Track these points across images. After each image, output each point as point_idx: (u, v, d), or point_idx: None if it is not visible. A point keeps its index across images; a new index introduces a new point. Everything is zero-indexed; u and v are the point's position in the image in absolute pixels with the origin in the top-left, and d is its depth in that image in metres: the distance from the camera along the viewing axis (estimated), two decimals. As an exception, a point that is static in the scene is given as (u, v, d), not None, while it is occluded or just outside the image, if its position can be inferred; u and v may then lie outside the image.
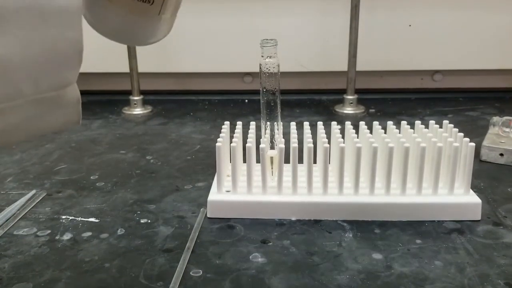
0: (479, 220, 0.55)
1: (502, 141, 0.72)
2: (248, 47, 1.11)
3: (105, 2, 0.35)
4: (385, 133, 0.61)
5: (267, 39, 0.54)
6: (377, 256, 0.49)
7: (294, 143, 0.56)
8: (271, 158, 0.57)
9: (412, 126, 0.62)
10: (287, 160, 0.57)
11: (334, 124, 0.62)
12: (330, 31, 1.07)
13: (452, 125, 0.61)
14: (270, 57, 0.55)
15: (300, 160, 0.59)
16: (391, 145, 0.54)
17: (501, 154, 0.70)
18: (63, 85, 0.31)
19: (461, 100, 1.06)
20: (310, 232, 0.53)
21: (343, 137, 0.59)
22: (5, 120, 0.30)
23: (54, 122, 0.33)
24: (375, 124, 0.63)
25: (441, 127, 0.61)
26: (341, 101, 1.02)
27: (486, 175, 0.67)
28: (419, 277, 0.45)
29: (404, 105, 1.04)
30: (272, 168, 0.58)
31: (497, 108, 0.99)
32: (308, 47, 1.09)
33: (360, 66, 1.01)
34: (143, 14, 0.37)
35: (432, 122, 0.62)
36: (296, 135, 0.59)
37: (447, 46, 1.07)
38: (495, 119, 0.78)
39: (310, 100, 1.09)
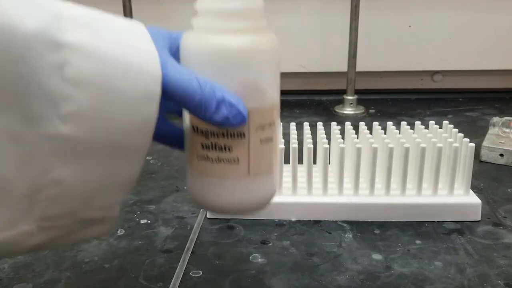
0: (479, 221, 0.55)
1: (502, 141, 0.72)
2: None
3: (192, 171, 0.36)
4: (385, 133, 0.61)
5: None
6: (377, 256, 0.49)
7: (294, 144, 0.56)
8: None
9: (412, 126, 0.62)
10: (287, 161, 0.57)
11: (334, 124, 0.62)
12: (330, 32, 1.07)
13: (452, 126, 0.61)
14: None
15: (300, 161, 0.59)
16: (391, 146, 0.54)
17: (501, 155, 0.70)
18: (110, 206, 0.33)
19: (461, 100, 1.06)
20: (310, 233, 0.53)
21: (343, 138, 0.59)
22: (51, 234, 0.31)
23: (90, 235, 0.34)
24: (375, 124, 0.63)
25: (441, 127, 0.61)
26: (341, 102, 1.02)
27: (486, 175, 0.67)
28: (419, 277, 0.45)
29: (404, 105, 1.04)
30: None
31: (497, 109, 0.99)
32: (308, 47, 1.09)
33: (360, 66, 1.01)
34: (228, 175, 0.36)
35: (432, 122, 0.62)
36: (296, 136, 0.59)
37: (447, 47, 1.07)
38: (495, 119, 0.78)
39: (310, 101, 1.09)
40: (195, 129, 0.36)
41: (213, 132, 0.35)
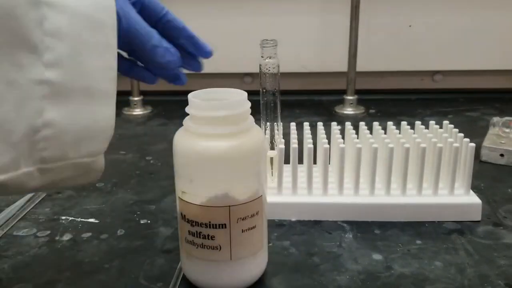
0: (479, 221, 0.55)
1: (503, 141, 0.72)
2: (248, 47, 1.11)
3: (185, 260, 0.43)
4: (385, 133, 0.61)
5: (267, 40, 0.54)
6: (377, 256, 0.49)
7: (294, 144, 0.56)
8: (271, 158, 0.57)
9: (412, 126, 0.62)
10: (287, 161, 0.57)
11: (334, 124, 0.62)
12: (330, 32, 1.07)
13: (452, 126, 0.61)
14: (270, 57, 0.55)
15: (300, 161, 0.59)
16: (391, 146, 0.54)
17: (502, 155, 0.70)
18: (96, 153, 0.38)
19: (461, 100, 1.06)
20: (310, 233, 0.53)
21: (343, 138, 0.59)
22: (49, 177, 0.36)
23: (79, 182, 0.39)
24: (375, 124, 0.63)
25: (441, 127, 0.61)
26: (341, 102, 1.02)
27: (487, 175, 0.67)
28: (419, 277, 0.45)
29: (404, 105, 1.04)
30: (272, 169, 0.57)
31: (497, 109, 0.99)
32: (308, 47, 1.09)
33: (360, 66, 1.01)
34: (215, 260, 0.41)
35: (432, 122, 0.62)
36: (296, 136, 0.59)
37: (447, 47, 1.07)
38: (495, 119, 0.78)
39: (310, 101, 1.09)
40: (182, 216, 0.41)
41: (197, 222, 0.40)
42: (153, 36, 0.41)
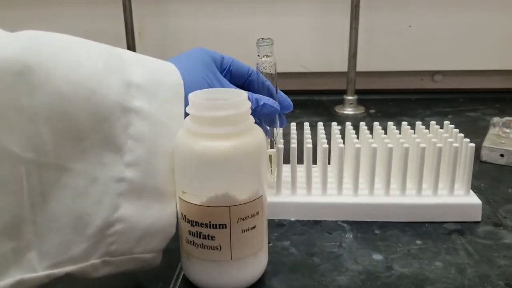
0: (479, 221, 0.55)
1: (503, 141, 0.72)
2: (248, 48, 1.11)
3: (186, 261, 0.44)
4: (385, 133, 0.61)
5: (263, 39, 0.54)
6: (377, 256, 0.49)
7: (293, 144, 0.56)
8: (270, 156, 0.57)
9: (412, 127, 0.62)
10: (286, 161, 0.57)
11: (334, 124, 0.62)
12: (330, 32, 1.07)
13: (452, 126, 0.61)
14: (267, 56, 0.55)
15: (300, 161, 0.59)
16: (391, 146, 0.54)
17: (502, 155, 0.70)
18: (157, 249, 0.41)
19: (461, 100, 1.06)
20: (310, 233, 0.53)
21: (343, 138, 0.59)
22: (111, 269, 0.38)
23: (133, 271, 0.41)
24: (375, 124, 0.63)
25: (441, 127, 0.61)
26: (341, 102, 1.02)
27: (487, 175, 0.67)
28: (420, 278, 0.45)
29: (404, 105, 1.04)
30: (271, 167, 0.57)
31: (497, 109, 0.99)
32: (308, 47, 1.09)
33: (360, 66, 1.01)
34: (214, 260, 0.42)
35: (433, 123, 0.62)
36: (295, 136, 0.59)
37: (447, 47, 1.07)
38: (496, 119, 0.78)
39: (310, 101, 1.09)
40: (183, 216, 0.42)
41: (197, 222, 0.40)
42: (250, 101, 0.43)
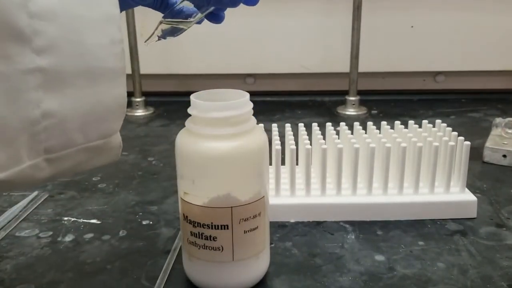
0: (481, 222, 0.55)
1: (505, 142, 0.72)
2: (250, 48, 1.11)
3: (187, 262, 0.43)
4: (383, 133, 0.61)
5: None
6: (379, 257, 0.49)
7: (291, 145, 0.55)
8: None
9: (411, 127, 0.63)
10: (284, 162, 0.57)
11: (329, 125, 0.63)
12: (332, 33, 1.07)
13: (445, 125, 0.61)
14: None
15: (297, 162, 0.59)
16: (388, 145, 0.55)
17: (504, 156, 0.70)
18: (108, 134, 0.36)
19: (464, 101, 1.06)
20: (312, 234, 0.53)
21: (340, 138, 0.59)
22: (59, 166, 0.34)
23: (97, 163, 0.37)
24: (373, 124, 0.63)
25: (434, 127, 0.62)
26: (343, 103, 1.02)
27: (489, 176, 0.67)
28: (422, 279, 0.45)
29: (406, 106, 1.03)
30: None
31: (499, 110, 0.99)
32: (310, 48, 1.09)
33: (362, 67, 1.01)
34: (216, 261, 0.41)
35: (425, 122, 0.63)
36: (292, 137, 0.59)
37: (449, 47, 1.07)
38: (498, 120, 0.77)
39: (312, 102, 1.09)
40: (185, 217, 0.41)
41: (199, 223, 0.40)
42: None
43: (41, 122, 0.32)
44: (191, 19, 0.43)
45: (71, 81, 0.32)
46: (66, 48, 0.31)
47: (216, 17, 0.45)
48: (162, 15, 0.44)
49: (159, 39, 0.43)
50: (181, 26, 0.44)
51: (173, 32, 0.44)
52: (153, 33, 0.43)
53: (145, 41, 0.43)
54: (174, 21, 0.43)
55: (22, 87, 0.31)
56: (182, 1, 0.43)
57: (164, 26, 0.43)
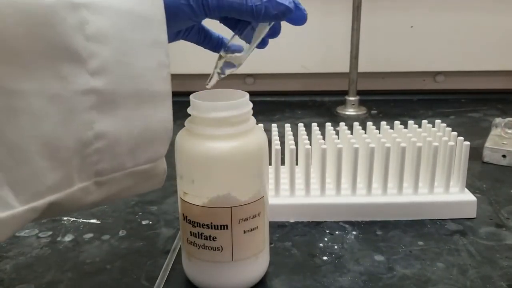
0: (481, 222, 0.55)
1: (505, 142, 0.72)
2: (250, 48, 1.11)
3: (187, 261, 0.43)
4: (382, 133, 0.61)
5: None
6: (379, 257, 0.49)
7: (291, 145, 0.56)
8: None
9: (411, 127, 0.63)
10: (283, 162, 0.57)
11: (328, 125, 0.63)
12: (332, 33, 1.07)
13: (445, 125, 0.61)
14: None
15: (296, 162, 0.59)
16: (388, 145, 0.55)
17: (504, 156, 0.70)
18: (155, 158, 0.36)
19: (463, 101, 1.06)
20: (311, 234, 0.53)
21: (339, 138, 0.59)
22: (107, 190, 0.34)
23: (142, 189, 0.37)
24: (373, 124, 0.63)
25: (433, 127, 0.62)
26: (343, 103, 1.02)
27: (489, 176, 0.67)
28: (421, 279, 0.45)
29: (406, 106, 1.04)
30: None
31: (499, 110, 0.99)
32: (310, 48, 1.09)
33: (362, 67, 1.01)
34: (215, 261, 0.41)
35: (424, 122, 0.63)
36: (292, 137, 0.59)
37: (449, 48, 1.07)
38: (498, 120, 0.77)
39: (311, 102, 1.09)
40: (184, 217, 0.41)
41: (199, 223, 0.40)
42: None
43: (93, 144, 0.32)
44: (247, 51, 0.43)
45: (122, 103, 0.33)
46: (118, 70, 0.32)
47: (262, 42, 0.46)
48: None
49: (219, 76, 0.43)
50: (237, 60, 0.44)
51: (231, 65, 0.43)
52: (213, 72, 0.43)
53: (207, 84, 0.43)
54: (231, 55, 0.43)
55: (77, 108, 0.31)
56: (233, 37, 0.43)
57: (220, 63, 0.43)
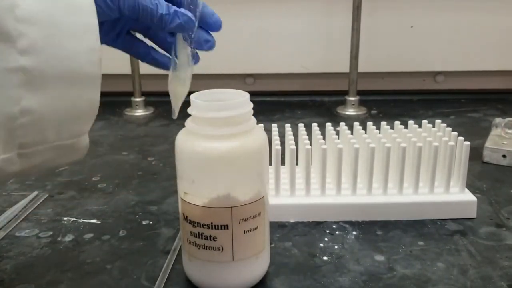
0: (481, 222, 0.55)
1: (505, 142, 0.72)
2: (250, 48, 1.11)
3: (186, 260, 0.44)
4: (382, 134, 0.61)
5: None
6: (379, 258, 0.49)
7: (291, 145, 0.56)
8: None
9: (411, 127, 0.63)
10: (283, 162, 0.57)
11: (328, 125, 0.63)
12: (332, 33, 1.07)
13: (445, 125, 0.61)
14: None
15: (296, 162, 0.58)
16: (388, 145, 0.55)
17: (504, 156, 0.70)
18: (79, 134, 0.38)
19: (463, 101, 1.06)
20: (312, 234, 0.53)
21: (339, 139, 0.59)
22: (29, 161, 0.36)
23: (64, 162, 0.40)
24: (373, 124, 0.63)
25: (433, 127, 0.62)
26: (343, 103, 1.02)
27: (489, 176, 0.67)
28: (422, 279, 0.45)
29: (406, 106, 1.04)
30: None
31: (499, 110, 0.99)
32: (310, 48, 1.09)
33: (362, 67, 1.01)
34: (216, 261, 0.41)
35: (425, 122, 0.63)
36: (292, 137, 0.59)
37: (449, 47, 1.07)
38: (498, 120, 0.77)
39: (311, 102, 1.09)
40: (184, 217, 0.41)
41: (199, 223, 0.40)
42: (160, 4, 0.40)
43: (19, 119, 0.34)
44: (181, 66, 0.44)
45: (51, 82, 0.34)
46: (47, 51, 0.34)
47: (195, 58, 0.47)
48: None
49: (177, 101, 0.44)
50: (183, 75, 0.45)
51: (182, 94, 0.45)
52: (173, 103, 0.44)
53: (175, 116, 0.44)
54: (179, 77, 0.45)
55: (5, 84, 0.33)
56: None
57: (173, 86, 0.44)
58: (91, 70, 0.36)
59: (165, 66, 0.46)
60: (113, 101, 1.02)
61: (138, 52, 0.47)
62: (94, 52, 0.36)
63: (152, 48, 0.47)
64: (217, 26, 0.46)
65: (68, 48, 0.35)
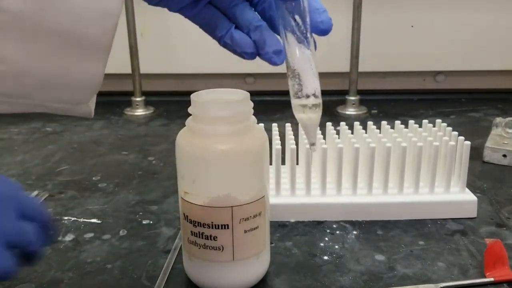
0: (482, 222, 0.55)
1: (505, 142, 0.72)
2: (250, 48, 1.10)
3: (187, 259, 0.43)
4: (383, 133, 0.61)
5: None
6: (379, 257, 0.49)
7: (292, 145, 0.55)
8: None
9: (411, 126, 0.63)
10: (284, 162, 0.57)
11: (329, 125, 0.63)
12: (332, 32, 1.07)
13: (445, 124, 0.61)
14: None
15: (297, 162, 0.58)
16: (389, 145, 0.55)
17: (504, 155, 0.70)
18: (73, 103, 0.34)
19: (464, 101, 1.06)
20: (312, 233, 0.53)
21: (339, 138, 0.59)
22: (11, 107, 0.32)
23: (61, 113, 0.35)
24: (373, 124, 0.63)
25: (434, 127, 0.62)
26: (344, 102, 1.02)
27: (489, 176, 0.67)
28: (422, 278, 0.45)
29: (406, 106, 1.03)
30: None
31: (500, 109, 0.99)
32: (310, 48, 1.09)
33: (362, 67, 1.01)
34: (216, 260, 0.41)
35: (425, 121, 0.63)
36: (292, 136, 0.59)
37: (449, 47, 1.07)
38: (498, 120, 0.77)
39: (312, 101, 1.09)
40: (185, 217, 0.41)
41: (200, 222, 0.40)
42: None
43: None
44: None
45: (39, 34, 0.29)
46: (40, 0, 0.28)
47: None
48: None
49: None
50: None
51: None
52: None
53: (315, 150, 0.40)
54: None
55: None
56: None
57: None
58: (99, 38, 0.29)
59: (243, 50, 0.38)
60: (113, 101, 1.02)
61: (216, 27, 0.38)
62: (108, 17, 0.29)
63: (234, 26, 0.38)
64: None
65: (75, 4, 0.28)
